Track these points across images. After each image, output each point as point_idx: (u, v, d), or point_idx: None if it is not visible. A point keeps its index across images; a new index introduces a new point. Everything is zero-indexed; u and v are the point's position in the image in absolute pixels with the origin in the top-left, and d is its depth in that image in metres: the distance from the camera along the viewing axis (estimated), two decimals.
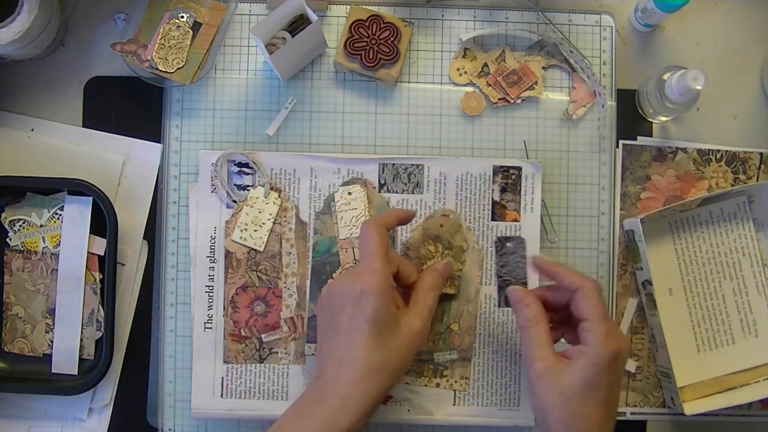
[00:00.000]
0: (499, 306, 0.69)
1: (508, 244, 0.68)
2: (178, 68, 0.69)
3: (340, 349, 0.57)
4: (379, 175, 0.70)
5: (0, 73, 0.71)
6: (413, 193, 0.70)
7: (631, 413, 0.71)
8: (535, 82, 0.71)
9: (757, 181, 0.72)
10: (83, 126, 0.71)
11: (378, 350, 0.56)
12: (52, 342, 0.68)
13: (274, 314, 0.69)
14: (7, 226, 0.69)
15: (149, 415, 0.70)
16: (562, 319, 0.63)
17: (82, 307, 0.68)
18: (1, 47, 0.64)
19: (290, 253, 0.69)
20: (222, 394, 0.68)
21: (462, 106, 0.71)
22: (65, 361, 0.68)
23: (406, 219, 0.66)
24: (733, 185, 0.72)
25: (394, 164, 0.70)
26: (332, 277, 0.69)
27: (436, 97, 0.71)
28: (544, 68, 0.71)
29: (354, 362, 0.56)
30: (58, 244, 0.68)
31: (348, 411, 0.55)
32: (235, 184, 0.69)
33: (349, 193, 0.69)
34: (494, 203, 0.70)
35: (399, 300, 0.61)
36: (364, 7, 0.70)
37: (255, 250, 0.69)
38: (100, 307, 0.68)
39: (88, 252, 0.68)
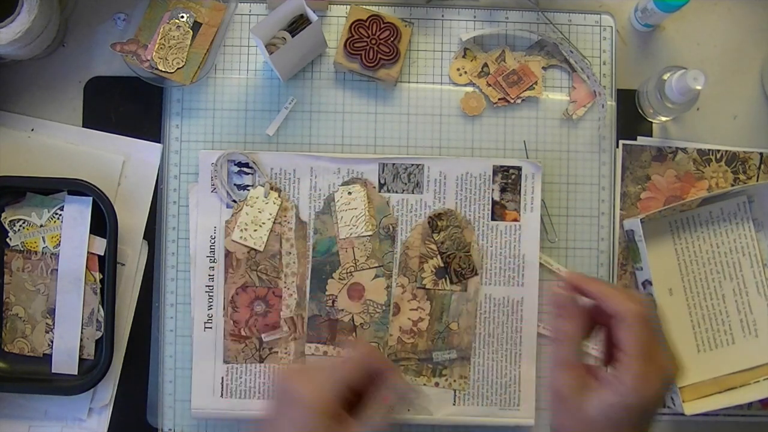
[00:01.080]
0: (452, 283, 0.68)
1: (440, 222, 0.68)
2: (178, 68, 0.69)
3: None
4: (379, 174, 0.70)
5: (0, 73, 0.71)
6: (413, 192, 0.69)
7: None
8: (535, 82, 0.71)
9: (757, 181, 0.72)
10: (83, 126, 0.71)
11: None
12: (52, 342, 0.68)
13: (274, 314, 0.69)
14: (7, 226, 0.69)
15: (149, 415, 0.70)
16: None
17: (82, 307, 0.68)
18: (1, 47, 0.64)
19: (290, 253, 0.69)
20: (222, 394, 0.68)
21: (462, 106, 0.71)
22: (65, 361, 0.68)
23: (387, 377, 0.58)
24: (733, 185, 0.72)
25: (394, 164, 0.69)
26: (332, 277, 0.69)
27: (436, 97, 0.71)
28: (544, 68, 0.71)
29: None
30: (58, 244, 0.68)
31: None
32: (235, 184, 0.69)
33: (349, 193, 0.69)
34: (494, 203, 0.70)
35: (345, 413, 0.55)
36: (364, 7, 0.70)
37: (255, 249, 0.69)
38: (100, 307, 0.68)
39: (88, 252, 0.68)
